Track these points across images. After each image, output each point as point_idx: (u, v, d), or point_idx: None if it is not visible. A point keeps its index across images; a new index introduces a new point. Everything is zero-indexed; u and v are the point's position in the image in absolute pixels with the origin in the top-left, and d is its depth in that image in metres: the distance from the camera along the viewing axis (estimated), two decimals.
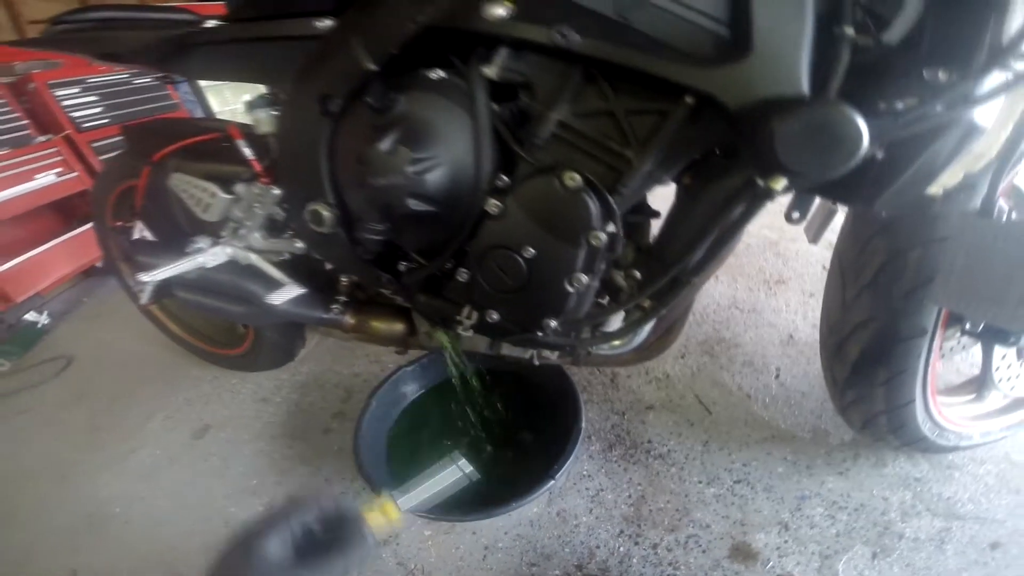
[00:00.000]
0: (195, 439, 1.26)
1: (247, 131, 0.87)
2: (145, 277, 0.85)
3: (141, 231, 1.06)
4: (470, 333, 0.79)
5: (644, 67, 0.51)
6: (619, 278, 0.71)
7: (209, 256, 0.89)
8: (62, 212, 2.02)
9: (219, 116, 2.50)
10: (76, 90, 1.96)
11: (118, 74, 2.06)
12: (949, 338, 0.77)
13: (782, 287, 1.43)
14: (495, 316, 0.73)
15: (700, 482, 0.96)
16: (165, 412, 1.35)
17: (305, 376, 1.39)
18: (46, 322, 1.85)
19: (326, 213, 0.75)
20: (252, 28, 0.76)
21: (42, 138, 1.86)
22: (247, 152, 0.84)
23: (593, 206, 0.59)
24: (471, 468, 0.68)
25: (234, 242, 0.91)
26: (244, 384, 1.40)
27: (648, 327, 0.77)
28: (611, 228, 0.61)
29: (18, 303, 1.75)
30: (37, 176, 1.80)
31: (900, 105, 0.47)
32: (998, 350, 0.81)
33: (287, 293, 0.91)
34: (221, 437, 1.25)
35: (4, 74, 1.86)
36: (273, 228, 0.91)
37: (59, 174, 1.86)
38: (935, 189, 0.52)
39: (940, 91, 0.46)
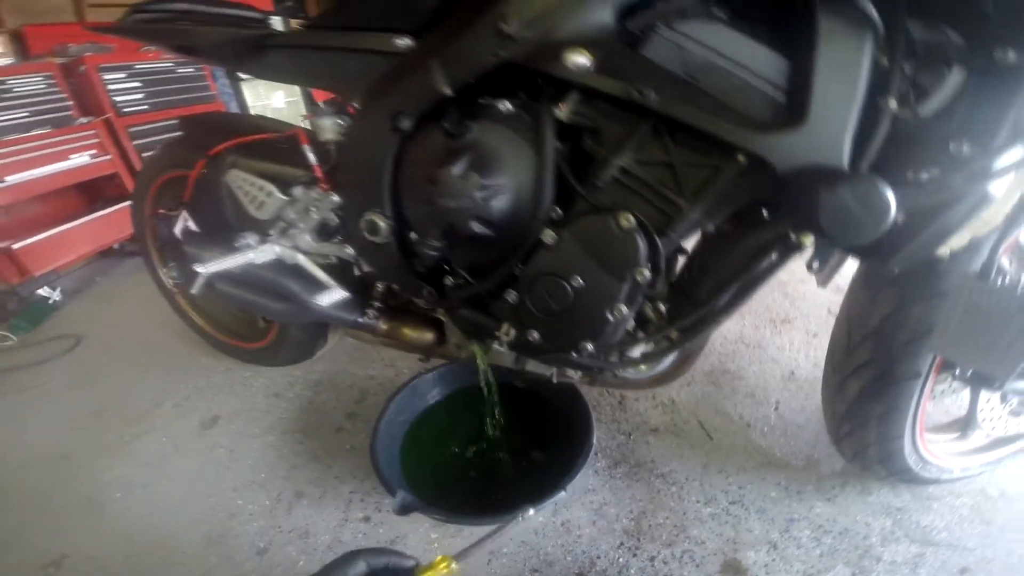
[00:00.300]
0: (204, 429, 1.27)
1: (310, 136, 0.92)
2: (200, 268, 0.90)
3: (186, 221, 1.10)
4: (504, 348, 0.84)
5: (705, 127, 0.58)
6: (650, 310, 0.77)
7: (259, 253, 0.94)
8: (88, 192, 2.06)
9: (252, 108, 2.56)
10: (123, 75, 2.03)
11: (163, 62, 2.12)
12: (941, 381, 0.84)
13: (787, 326, 1.51)
14: (535, 336, 0.78)
15: (698, 501, 1.01)
16: (174, 400, 1.37)
17: (320, 375, 1.42)
18: (58, 299, 1.87)
19: (382, 224, 0.80)
20: (331, 37, 0.81)
21: (83, 119, 1.91)
22: (311, 156, 0.89)
23: (642, 246, 0.65)
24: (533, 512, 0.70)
25: (283, 241, 0.96)
26: (257, 377, 1.42)
27: (671, 357, 0.83)
28: (655, 266, 0.67)
29: (35, 277, 1.78)
30: (72, 156, 1.85)
31: (925, 176, 0.54)
32: (984, 394, 0.88)
33: (330, 296, 0.96)
34: (231, 429, 1.27)
35: (59, 55, 1.92)
36: (323, 232, 0.95)
37: (93, 156, 1.92)
38: (944, 250, 0.60)
39: (962, 164, 0.53)
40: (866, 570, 0.88)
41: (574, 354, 0.77)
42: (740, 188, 0.62)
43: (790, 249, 0.62)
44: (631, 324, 0.76)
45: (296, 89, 2.76)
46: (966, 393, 0.92)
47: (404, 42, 0.74)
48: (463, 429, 1.15)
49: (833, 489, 1.02)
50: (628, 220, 0.65)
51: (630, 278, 0.67)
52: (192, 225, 1.11)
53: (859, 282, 0.82)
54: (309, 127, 0.92)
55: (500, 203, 0.70)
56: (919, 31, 0.54)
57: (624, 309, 0.70)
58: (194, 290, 0.98)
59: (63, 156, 1.82)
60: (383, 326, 1.01)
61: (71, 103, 1.90)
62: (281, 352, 1.38)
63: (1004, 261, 0.70)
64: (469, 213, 0.69)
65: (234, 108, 2.50)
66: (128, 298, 1.91)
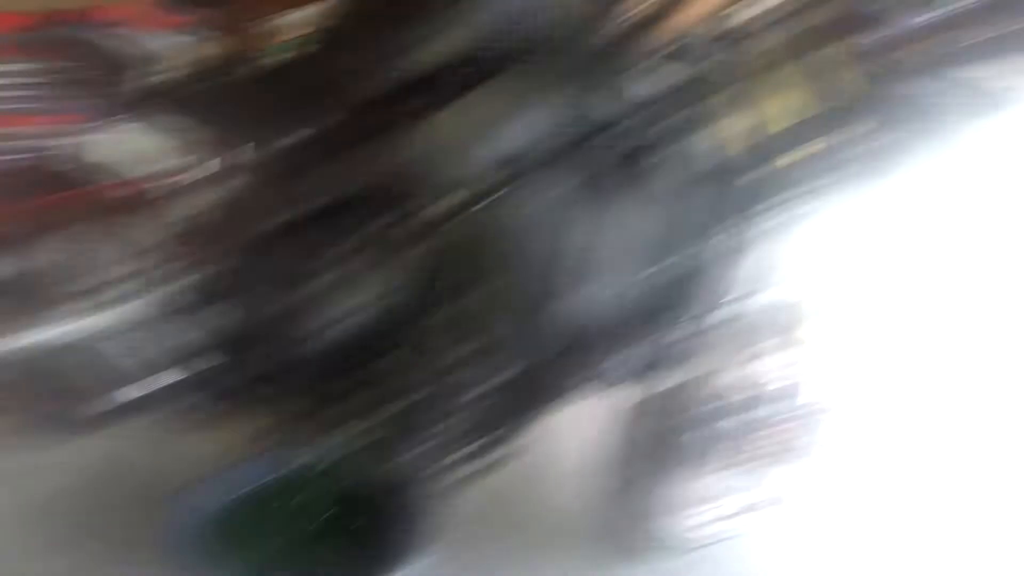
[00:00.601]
0: None
1: (163, 200, 0.88)
2: (14, 342, 0.79)
3: None
4: (337, 442, 0.87)
5: (518, 285, 0.74)
6: (475, 418, 0.86)
7: (83, 326, 0.85)
8: None
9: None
10: None
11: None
12: (688, 471, 1.08)
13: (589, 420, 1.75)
14: (370, 434, 0.83)
15: None
16: None
17: (123, 449, 1.23)
18: None
19: (235, 311, 0.81)
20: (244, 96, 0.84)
21: None
22: (164, 225, 0.86)
23: (471, 373, 0.78)
24: None
25: (102, 317, 0.86)
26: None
27: (488, 455, 0.92)
28: (480, 388, 0.79)
29: None
30: None
31: (659, 332, 0.78)
32: (713, 477, 1.10)
33: (155, 376, 0.89)
34: None
35: None
36: (164, 309, 0.87)
37: None
38: (670, 384, 0.85)
39: (685, 323, 0.77)
40: None
41: (405, 452, 0.85)
42: (542, 334, 0.78)
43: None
44: (458, 429, 0.85)
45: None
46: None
47: (305, 132, 0.77)
48: (285, 518, 1.09)
49: (620, 560, 1.20)
50: (462, 350, 0.77)
51: (457, 396, 0.79)
52: None
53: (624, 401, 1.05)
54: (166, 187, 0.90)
55: (353, 320, 0.77)
56: (682, 209, 0.75)
57: (452, 420, 0.81)
58: None
59: None
60: (210, 409, 0.93)
61: None
62: (58, 421, 1.16)
63: None
64: (325, 323, 0.76)
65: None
66: None
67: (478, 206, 0.73)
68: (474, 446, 0.90)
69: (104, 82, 0.94)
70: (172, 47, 1.07)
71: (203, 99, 0.89)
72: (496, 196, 0.72)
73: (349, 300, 0.78)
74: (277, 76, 0.89)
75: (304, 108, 0.79)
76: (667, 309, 0.78)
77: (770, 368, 0.98)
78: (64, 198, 0.99)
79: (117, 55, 0.98)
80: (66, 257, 0.92)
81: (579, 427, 1.62)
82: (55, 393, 0.93)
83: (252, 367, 0.87)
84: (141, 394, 0.90)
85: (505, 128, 0.72)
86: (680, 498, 1.15)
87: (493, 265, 0.75)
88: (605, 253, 0.74)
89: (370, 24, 0.79)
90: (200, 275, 0.86)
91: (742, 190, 0.74)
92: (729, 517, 1.26)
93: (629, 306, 0.76)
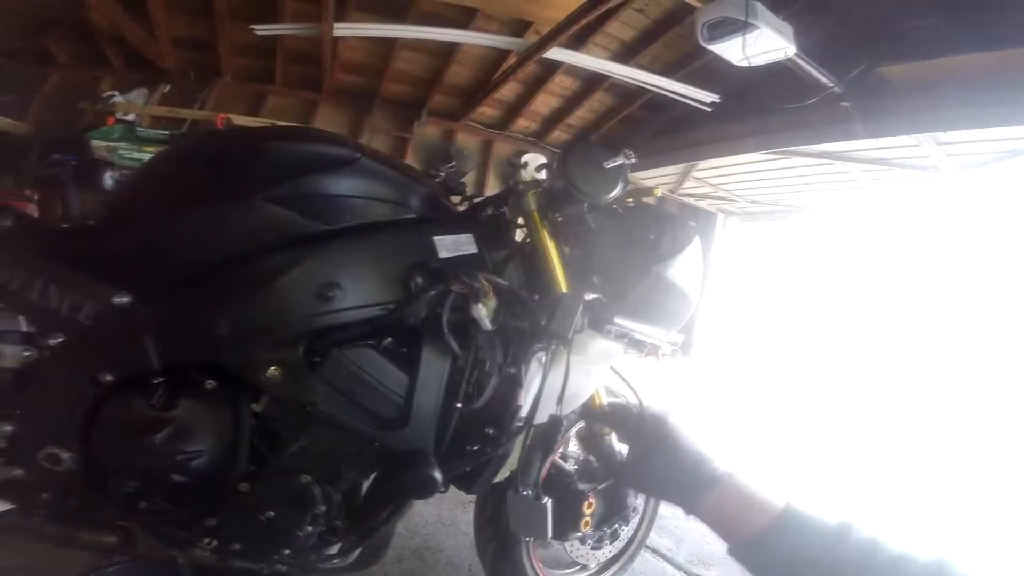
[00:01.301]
0: None
1: None
2: None
3: None
4: (208, 553, 0.89)
5: (355, 426, 0.86)
6: (336, 522, 0.96)
7: None
8: None
9: None
10: None
11: None
12: (538, 543, 1.27)
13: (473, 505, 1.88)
14: (237, 546, 0.87)
15: None
16: None
17: None
18: None
19: (65, 457, 0.80)
20: (48, 262, 0.81)
21: None
22: None
23: (317, 494, 0.87)
24: None
25: None
26: None
27: (358, 550, 1.02)
28: (329, 504, 0.89)
29: None
30: None
31: (475, 447, 0.95)
32: (566, 544, 1.32)
33: None
34: None
35: None
36: None
37: None
38: (500, 478, 1.02)
39: (492, 439, 0.94)
40: None
41: (275, 557, 0.90)
42: (377, 459, 0.93)
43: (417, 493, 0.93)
44: (319, 534, 0.93)
45: None
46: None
47: (122, 299, 0.80)
48: None
49: None
50: (305, 478, 0.87)
51: (309, 513, 0.87)
52: None
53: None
54: None
55: (198, 463, 0.82)
56: (481, 353, 0.94)
57: (309, 529, 0.88)
58: None
59: None
60: (51, 530, 0.89)
61: None
62: None
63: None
64: (168, 470, 0.80)
65: None
66: None
67: (308, 363, 0.83)
68: (338, 547, 0.98)
69: None
70: None
71: None
72: (323, 356, 0.84)
73: (190, 446, 0.82)
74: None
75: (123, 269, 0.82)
76: (476, 428, 0.96)
77: (580, 449, 1.21)
78: None
79: None
80: None
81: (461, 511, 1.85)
82: None
83: (90, 502, 0.85)
84: None
85: (328, 297, 0.83)
86: (552, 563, 1.34)
87: (324, 413, 0.85)
88: (420, 395, 0.89)
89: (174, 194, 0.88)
90: (18, 426, 0.82)
91: (523, 332, 0.96)
92: (597, 572, 1.45)
93: (444, 431, 0.92)
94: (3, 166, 3.26)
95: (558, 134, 4.67)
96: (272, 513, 0.85)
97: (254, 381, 0.81)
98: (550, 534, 0.96)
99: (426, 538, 1.67)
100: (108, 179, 3.06)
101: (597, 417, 1.10)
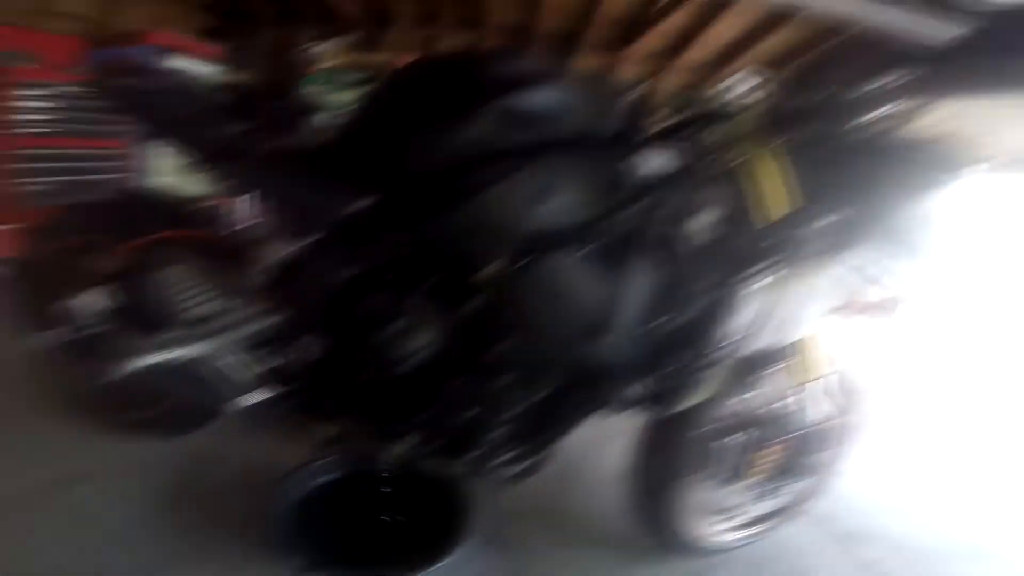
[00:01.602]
0: (61, 489, 1.22)
1: (260, 249, 1.02)
2: (133, 363, 0.96)
3: (103, 303, 1.12)
4: (405, 449, 1.04)
5: (555, 333, 0.90)
6: (518, 430, 1.03)
7: (188, 350, 1.01)
8: None
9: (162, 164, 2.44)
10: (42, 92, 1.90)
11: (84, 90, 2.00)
12: (699, 482, 1.19)
13: (622, 435, 1.87)
14: (432, 444, 1.01)
15: (553, 571, 1.26)
16: (15, 458, 1.29)
17: (204, 447, 1.42)
18: None
19: (317, 348, 0.97)
20: (309, 176, 0.95)
21: None
22: (258, 274, 1.01)
23: (516, 396, 0.95)
24: None
25: (211, 341, 1.03)
26: (135, 446, 1.38)
27: (530, 459, 1.09)
28: (523, 407, 0.97)
29: None
30: None
31: (671, 367, 0.91)
32: (727, 490, 1.23)
33: (247, 393, 1.04)
34: (95, 489, 1.23)
35: None
36: (254, 338, 1.04)
37: None
38: (682, 407, 0.96)
39: (691, 363, 0.90)
40: None
41: (460, 457, 1.01)
42: (573, 369, 0.95)
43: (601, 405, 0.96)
44: (505, 439, 1.02)
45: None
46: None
47: (370, 202, 0.91)
48: (354, 510, 1.26)
49: (649, 558, 1.33)
50: (507, 379, 0.94)
51: (504, 417, 0.96)
52: (110, 308, 1.14)
53: (644, 420, 1.18)
54: (257, 242, 1.03)
55: (422, 356, 0.94)
56: (690, 268, 0.90)
57: (499, 432, 0.97)
58: (117, 377, 1.02)
59: None
60: (291, 420, 1.10)
61: None
62: (167, 423, 1.37)
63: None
64: (397, 360, 0.92)
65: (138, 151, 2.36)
66: None
67: (516, 269, 0.87)
68: (513, 454, 1.06)
69: (155, 104, 1.04)
70: (213, 73, 1.17)
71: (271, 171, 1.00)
72: (530, 262, 0.87)
73: (410, 343, 0.93)
74: (332, 151, 1.01)
75: (361, 180, 0.92)
76: (676, 348, 0.91)
77: (774, 394, 1.10)
78: (166, 237, 1.13)
79: (170, 78, 1.10)
80: (173, 291, 1.09)
81: (610, 440, 1.73)
82: (171, 401, 1.07)
83: (325, 392, 1.04)
84: (238, 405, 1.06)
85: (537, 207, 0.86)
86: (702, 506, 1.28)
87: (529, 317, 0.89)
88: (621, 307, 0.87)
89: (403, 114, 0.93)
90: (282, 315, 1.02)
91: (736, 255, 0.88)
92: (748, 525, 1.38)
93: (643, 347, 0.90)
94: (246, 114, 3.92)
95: (733, 69, 4.13)
96: (471, 413, 0.95)
97: (469, 282, 0.89)
98: (722, 475, 0.93)
99: (574, 460, 1.70)
100: (320, 119, 3.51)
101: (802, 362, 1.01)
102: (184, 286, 1.08)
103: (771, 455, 1.09)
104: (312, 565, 1.01)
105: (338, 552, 1.15)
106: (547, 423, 1.02)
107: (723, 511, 1.38)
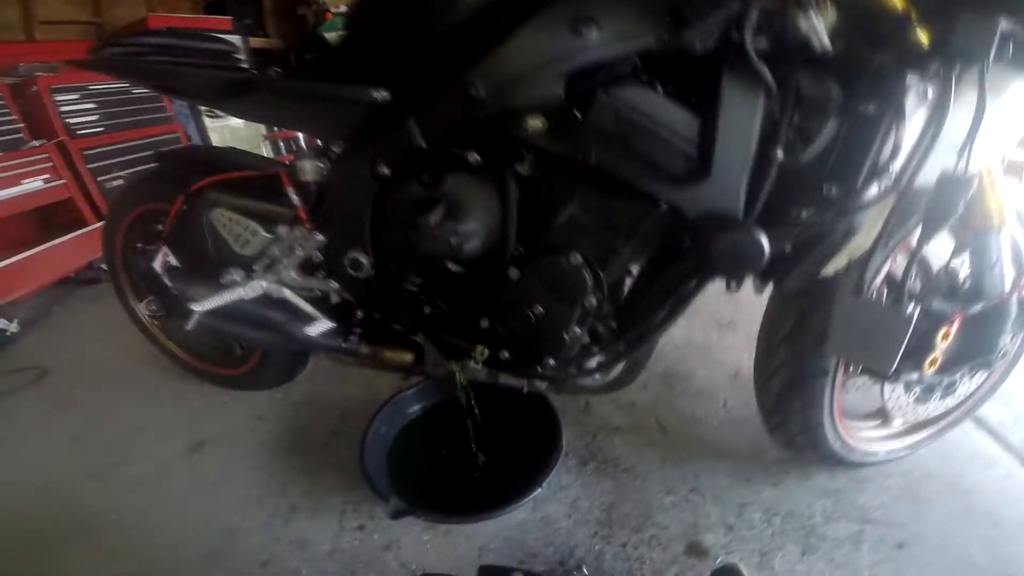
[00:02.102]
0: (190, 452, 1.30)
1: (291, 176, 0.97)
2: (196, 306, 0.94)
3: (166, 256, 1.13)
4: (479, 366, 0.95)
5: (634, 182, 0.70)
6: (601, 327, 0.89)
7: (248, 289, 0.99)
8: (42, 219, 2.00)
9: (211, 130, 2.53)
10: (75, 96, 1.98)
11: (117, 83, 2.08)
12: (850, 376, 1.00)
13: (731, 329, 1.67)
14: (505, 355, 0.90)
15: (659, 491, 1.13)
16: (154, 426, 1.39)
17: (301, 396, 1.46)
18: (15, 330, 1.82)
19: (364, 261, 0.89)
20: (312, 85, 0.85)
21: (35, 143, 1.86)
22: (295, 198, 0.95)
23: (588, 278, 0.78)
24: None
25: (268, 276, 1.01)
26: (236, 401, 1.45)
27: (621, 365, 0.96)
28: (600, 294, 0.80)
29: None
30: (24, 181, 1.80)
31: (804, 214, 0.68)
32: (888, 386, 1.02)
33: (315, 326, 1.02)
34: (217, 451, 1.30)
35: (8, 75, 1.86)
36: (307, 267, 1.01)
37: (46, 180, 1.87)
38: (828, 271, 0.74)
39: (833, 203, 0.67)
40: (813, 548, 1.01)
41: (539, 368, 0.89)
42: (664, 229, 0.75)
43: (705, 276, 0.76)
44: (585, 340, 0.88)
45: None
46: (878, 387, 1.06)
47: (382, 95, 0.79)
48: (444, 439, 1.23)
49: (777, 475, 1.16)
50: (576, 258, 0.77)
51: (580, 305, 0.80)
52: (172, 260, 1.14)
53: (774, 296, 0.97)
54: (289, 167, 0.97)
55: (471, 246, 0.81)
56: (807, 85, 0.66)
57: (577, 330, 0.83)
58: (189, 326, 1.02)
59: (14, 181, 1.77)
60: (365, 350, 1.07)
61: (21, 125, 1.84)
62: (262, 377, 1.42)
63: (879, 286, 0.84)
64: (444, 255, 0.80)
65: (191, 129, 2.47)
66: (90, 327, 1.87)
67: (571, 114, 0.69)
68: (602, 357, 0.92)
69: (198, 77, 0.96)
70: (236, 44, 1.08)
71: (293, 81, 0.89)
72: (589, 102, 0.68)
73: (458, 230, 0.80)
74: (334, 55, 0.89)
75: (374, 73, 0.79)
76: (805, 192, 0.69)
77: (942, 251, 0.84)
78: (206, 185, 1.09)
79: (207, 53, 1.02)
80: (223, 234, 1.05)
81: (724, 330, 1.67)
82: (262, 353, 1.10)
83: (386, 310, 0.96)
84: (313, 340, 1.03)
85: (579, 40, 0.66)
86: (850, 407, 1.07)
87: (599, 167, 0.71)
88: (720, 141, 0.67)
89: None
90: (326, 235, 0.94)
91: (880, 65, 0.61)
92: (906, 432, 1.15)
93: (759, 192, 0.68)
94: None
95: None
96: (540, 308, 0.82)
97: (518, 136, 0.72)
98: (876, 364, 0.71)
99: (674, 363, 1.53)
100: None
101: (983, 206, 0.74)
102: (232, 228, 1.04)
103: (940, 337, 0.84)
104: (407, 508, 0.98)
105: (431, 492, 1.12)
106: (640, 310, 0.85)
107: (876, 414, 1.15)
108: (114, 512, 1.14)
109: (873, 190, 0.67)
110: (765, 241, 0.66)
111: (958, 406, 1.14)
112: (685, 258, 0.78)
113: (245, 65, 0.99)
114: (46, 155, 1.85)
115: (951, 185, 0.63)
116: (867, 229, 0.71)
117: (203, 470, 1.25)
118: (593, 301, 0.79)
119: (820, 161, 0.68)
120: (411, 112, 0.78)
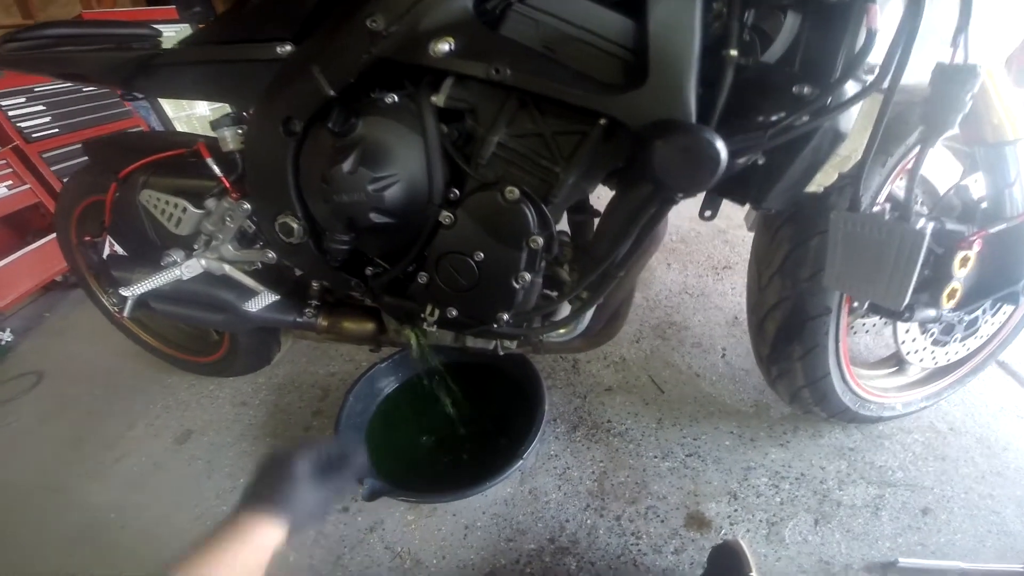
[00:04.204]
0: (178, 444, 1.29)
1: (214, 146, 0.90)
2: (125, 292, 0.89)
3: (111, 246, 1.07)
4: (434, 328, 0.88)
5: (563, 97, 0.60)
6: (563, 273, 0.81)
7: (185, 269, 0.93)
8: (16, 226, 1.97)
9: (174, 120, 2.45)
10: (22, 100, 1.91)
11: (63, 84, 2.01)
12: (855, 316, 0.87)
13: (729, 272, 1.54)
14: (454, 312, 0.82)
15: (656, 457, 1.05)
16: (145, 420, 1.38)
17: (282, 378, 1.43)
18: (9, 339, 1.82)
19: (295, 225, 0.82)
20: (216, 51, 0.80)
21: None
22: (216, 169, 0.88)
23: (530, 215, 0.69)
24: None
25: (207, 254, 0.95)
26: (221, 389, 1.43)
27: (589, 315, 0.86)
28: (547, 232, 0.71)
29: None
30: None
31: (773, 118, 0.57)
32: (901, 326, 0.89)
33: (262, 300, 0.97)
34: (204, 441, 1.28)
35: None
36: (244, 239, 0.95)
37: (9, 187, 1.82)
38: (814, 188, 0.63)
39: (805, 104, 0.55)
40: (827, 516, 0.91)
41: (495, 325, 0.81)
42: (608, 149, 0.65)
43: (665, 202, 0.66)
44: (540, 287, 0.79)
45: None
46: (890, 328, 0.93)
47: (285, 49, 0.74)
48: (422, 411, 1.17)
49: (785, 434, 1.06)
50: (512, 192, 0.68)
51: (525, 246, 0.71)
52: (118, 248, 1.09)
53: (760, 224, 0.85)
54: (209, 138, 0.91)
55: (394, 192, 0.72)
56: None
57: (527, 276, 0.74)
58: (125, 313, 0.98)
59: None
60: (323, 322, 1.02)
61: None
62: (238, 362, 1.37)
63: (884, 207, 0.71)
64: (365, 206, 0.71)
65: (154, 121, 2.37)
66: (80, 329, 1.87)
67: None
68: (569, 308, 0.83)
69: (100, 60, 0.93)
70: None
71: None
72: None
73: (380, 170, 0.72)
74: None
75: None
76: (774, 90, 0.58)
77: (952, 166, 0.70)
78: (136, 168, 1.03)
79: (114, 38, 0.97)
80: (155, 214, 0.99)
81: (717, 274, 1.55)
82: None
83: (334, 277, 0.89)
84: (259, 314, 0.98)
85: None
86: (862, 353, 0.94)
87: (514, 88, 0.62)
88: (660, 38, 0.56)
89: None
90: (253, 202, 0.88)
91: None
92: (925, 380, 1.02)
93: (716, 94, 0.57)
94: None
95: None
96: (480, 254, 0.73)
97: (428, 65, 0.63)
98: (889, 298, 0.59)
99: (668, 311, 1.42)
100: None
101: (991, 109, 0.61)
102: (163, 208, 0.98)
103: (958, 264, 0.71)
104: (383, 488, 0.93)
105: (411, 468, 1.07)
106: (599, 248, 0.74)
107: (889, 360, 1.02)
108: (113, 510, 1.14)
109: (851, 86, 0.55)
110: (720, 143, 0.55)
111: (980, 348, 1.01)
112: (640, 182, 0.67)
113: (152, 42, 0.94)
114: (4, 161, 1.79)
115: (950, 76, 0.52)
116: (855, 135, 0.60)
117: (191, 461, 1.24)
118: (540, 241, 0.70)
119: (786, 60, 0.58)
120: (315, 61, 0.70)
